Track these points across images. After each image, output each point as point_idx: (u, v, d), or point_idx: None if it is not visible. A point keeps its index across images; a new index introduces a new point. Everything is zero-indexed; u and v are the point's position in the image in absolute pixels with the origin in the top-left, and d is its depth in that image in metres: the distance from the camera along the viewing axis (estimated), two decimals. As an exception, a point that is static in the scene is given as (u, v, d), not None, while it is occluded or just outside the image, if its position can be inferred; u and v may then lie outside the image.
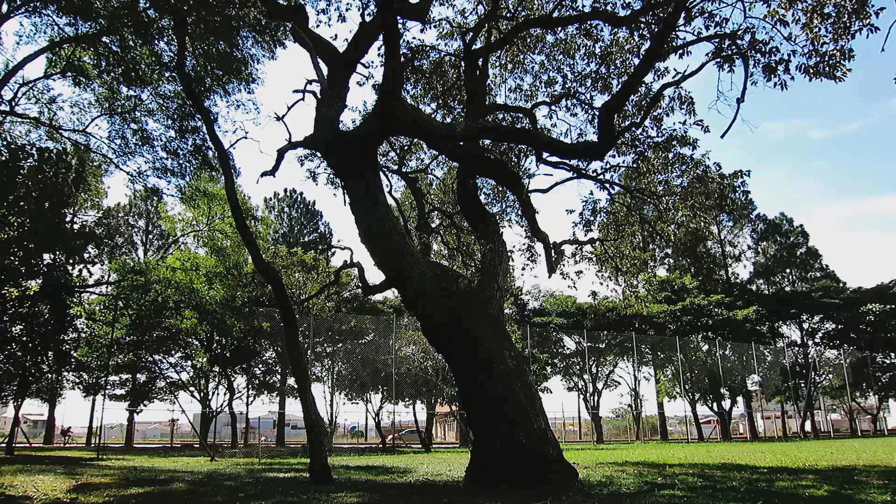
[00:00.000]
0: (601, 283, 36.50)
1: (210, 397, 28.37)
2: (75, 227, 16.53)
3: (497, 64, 11.76)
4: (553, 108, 11.39)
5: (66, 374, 22.64)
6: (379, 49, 10.09)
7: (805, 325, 41.84)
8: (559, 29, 10.65)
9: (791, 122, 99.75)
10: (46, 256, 13.48)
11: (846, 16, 7.14)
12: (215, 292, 22.24)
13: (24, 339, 15.47)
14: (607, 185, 11.60)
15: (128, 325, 21.77)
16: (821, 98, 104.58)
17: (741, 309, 35.77)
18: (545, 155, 9.89)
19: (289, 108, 9.75)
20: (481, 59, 9.52)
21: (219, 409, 28.60)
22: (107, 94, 16.14)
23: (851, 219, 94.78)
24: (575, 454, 14.04)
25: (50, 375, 19.35)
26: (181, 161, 16.18)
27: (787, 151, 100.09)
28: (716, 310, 35.38)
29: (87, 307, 21.67)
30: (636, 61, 10.08)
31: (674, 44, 8.57)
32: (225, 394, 28.58)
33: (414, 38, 11.40)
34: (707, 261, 43.60)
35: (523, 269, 15.18)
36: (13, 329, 15.11)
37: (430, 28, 11.01)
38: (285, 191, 42.17)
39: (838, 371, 38.58)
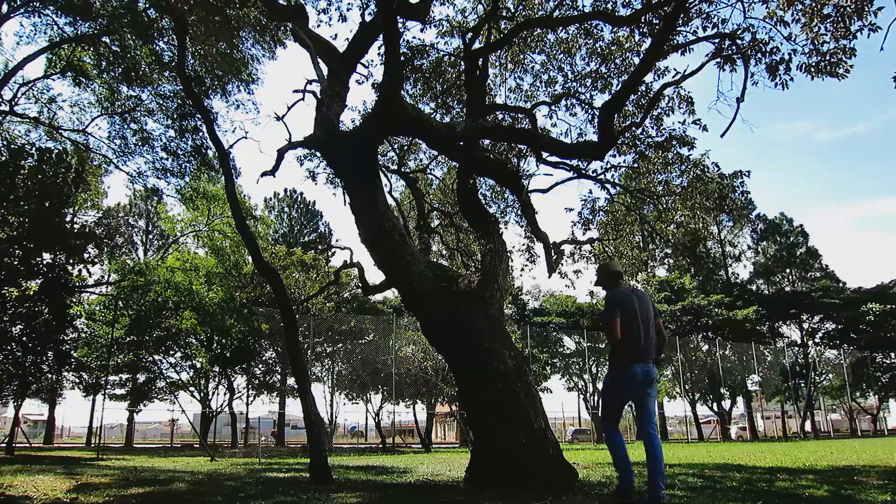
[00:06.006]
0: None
1: (210, 397, 28.38)
2: (75, 227, 16.51)
3: (497, 64, 11.75)
4: (553, 107, 11.38)
5: (66, 374, 22.65)
6: (379, 49, 10.09)
7: (805, 325, 41.85)
8: (560, 28, 10.66)
9: (796, 123, 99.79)
10: (46, 256, 13.49)
11: (846, 17, 7.14)
12: (214, 294, 22.24)
13: (24, 339, 15.45)
14: (607, 185, 11.59)
15: (128, 325, 21.79)
16: (826, 100, 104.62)
17: (741, 309, 35.77)
18: (545, 155, 9.89)
19: (289, 108, 9.74)
20: (481, 59, 9.51)
21: (219, 409, 28.59)
22: (107, 94, 16.16)
23: (853, 219, 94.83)
24: (575, 454, 14.03)
25: (50, 375, 19.34)
26: (181, 161, 16.19)
27: (789, 152, 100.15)
28: (716, 310, 35.38)
29: (87, 307, 21.68)
30: (636, 60, 10.08)
31: (674, 42, 8.58)
32: (225, 394, 28.62)
33: (414, 37, 11.41)
34: (707, 261, 43.60)
35: (522, 269, 15.20)
36: (13, 329, 15.10)
37: (429, 27, 11.02)
38: (285, 191, 42.26)
39: (838, 371, 38.57)
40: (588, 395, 37.20)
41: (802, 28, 7.57)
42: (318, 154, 11.56)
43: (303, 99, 9.30)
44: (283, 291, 8.83)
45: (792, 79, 7.83)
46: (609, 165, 11.43)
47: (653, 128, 10.65)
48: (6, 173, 10.51)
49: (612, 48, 10.43)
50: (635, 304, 4.93)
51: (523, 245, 14.36)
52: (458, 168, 10.02)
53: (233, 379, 28.61)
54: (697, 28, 8.60)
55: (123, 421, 31.86)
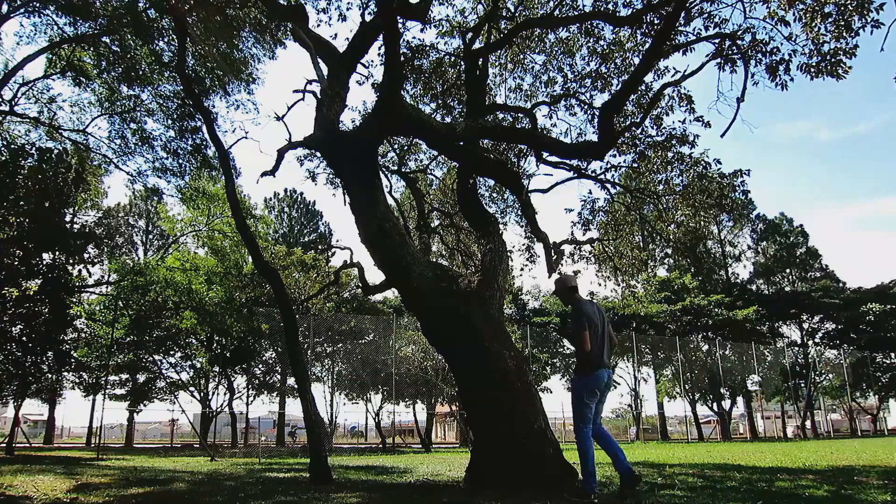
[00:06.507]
0: (600, 284, 36.48)
1: (210, 397, 28.37)
2: (75, 227, 16.52)
3: (497, 63, 11.75)
4: (553, 108, 11.38)
5: (66, 374, 22.66)
6: (379, 49, 10.09)
7: (805, 325, 41.81)
8: (560, 28, 10.65)
9: (796, 123, 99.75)
10: (46, 256, 13.48)
11: (847, 14, 7.14)
12: (214, 294, 22.22)
13: (24, 339, 15.45)
14: (607, 185, 11.59)
15: (128, 325, 21.79)
16: (826, 99, 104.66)
17: (741, 309, 35.73)
18: (545, 155, 9.89)
19: (289, 108, 9.74)
20: (481, 59, 9.51)
21: (219, 409, 28.58)
22: (107, 94, 16.14)
23: (853, 219, 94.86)
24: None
25: (50, 375, 19.33)
26: (181, 161, 16.18)
27: (789, 152, 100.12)
28: (716, 310, 35.35)
29: (87, 307, 21.67)
30: (636, 60, 10.08)
31: (674, 42, 8.58)
32: (225, 394, 28.61)
33: (414, 37, 11.40)
34: (707, 261, 43.55)
35: (522, 269, 15.19)
36: (13, 329, 15.09)
37: (429, 27, 11.01)
38: (285, 191, 42.25)
39: (838, 371, 38.55)
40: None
41: (803, 28, 7.57)
42: (318, 154, 11.55)
43: (303, 99, 9.30)
44: (283, 291, 8.83)
45: (792, 79, 7.84)
46: (609, 165, 11.44)
47: (653, 127, 10.65)
48: (6, 173, 10.51)
49: (613, 48, 10.43)
50: (597, 316, 5.43)
51: (523, 245, 14.35)
52: (458, 168, 10.02)
53: (233, 379, 28.60)
54: (700, 29, 8.60)
55: (123, 421, 31.85)
